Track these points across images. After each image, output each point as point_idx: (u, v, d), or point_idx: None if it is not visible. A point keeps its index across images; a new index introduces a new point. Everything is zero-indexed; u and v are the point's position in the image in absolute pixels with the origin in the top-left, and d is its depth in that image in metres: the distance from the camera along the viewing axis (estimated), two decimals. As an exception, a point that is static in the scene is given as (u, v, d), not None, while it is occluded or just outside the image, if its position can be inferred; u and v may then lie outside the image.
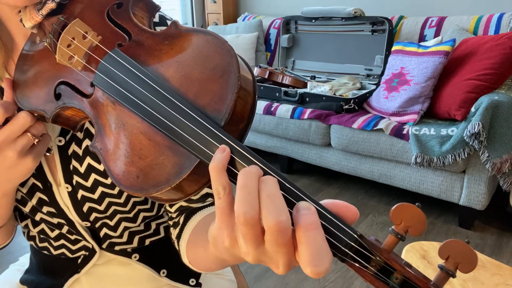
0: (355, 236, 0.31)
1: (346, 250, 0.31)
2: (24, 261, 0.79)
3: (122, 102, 0.40)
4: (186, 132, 0.35)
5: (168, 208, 0.62)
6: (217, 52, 0.38)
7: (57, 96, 0.46)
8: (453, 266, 0.30)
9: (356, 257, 0.31)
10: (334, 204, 0.32)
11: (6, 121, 0.46)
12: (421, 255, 0.95)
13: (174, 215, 0.62)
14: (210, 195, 0.61)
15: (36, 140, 0.48)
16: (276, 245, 0.30)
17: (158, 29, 0.52)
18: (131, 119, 0.40)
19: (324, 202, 0.32)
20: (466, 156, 1.80)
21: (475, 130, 1.72)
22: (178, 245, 0.59)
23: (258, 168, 0.32)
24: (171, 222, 0.63)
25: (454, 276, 0.29)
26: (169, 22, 0.55)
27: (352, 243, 0.30)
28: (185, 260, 0.57)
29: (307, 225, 0.29)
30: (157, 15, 0.57)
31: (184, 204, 0.60)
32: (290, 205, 0.31)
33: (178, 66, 0.39)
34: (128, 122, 0.40)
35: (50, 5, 0.46)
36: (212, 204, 0.60)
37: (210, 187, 0.58)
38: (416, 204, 0.30)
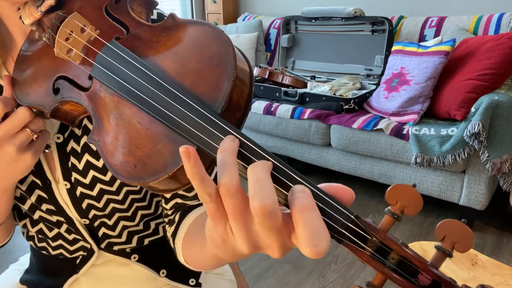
0: (352, 216, 0.31)
1: (343, 231, 0.31)
2: (24, 261, 0.79)
3: (120, 92, 0.40)
4: (184, 120, 0.36)
5: (164, 205, 0.62)
6: (213, 42, 0.38)
7: (56, 91, 0.46)
8: (450, 245, 0.30)
9: (353, 238, 0.31)
10: (331, 186, 0.33)
11: (6, 117, 0.47)
12: (421, 255, 0.95)
13: (169, 212, 0.62)
14: None
15: (35, 136, 0.49)
16: (264, 228, 0.30)
17: None
18: (128, 109, 0.40)
19: (321, 185, 0.33)
20: (466, 156, 1.80)
21: (475, 130, 1.72)
22: (174, 243, 0.59)
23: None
24: (166, 220, 0.63)
25: (451, 256, 0.30)
26: None
27: (349, 224, 0.31)
28: (181, 258, 0.57)
29: (302, 207, 0.30)
30: (155, 13, 0.57)
31: (179, 201, 0.60)
32: (287, 188, 0.32)
33: (175, 56, 0.40)
34: (125, 113, 0.40)
35: (49, 2, 0.47)
36: None
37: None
38: (412, 184, 0.31)
